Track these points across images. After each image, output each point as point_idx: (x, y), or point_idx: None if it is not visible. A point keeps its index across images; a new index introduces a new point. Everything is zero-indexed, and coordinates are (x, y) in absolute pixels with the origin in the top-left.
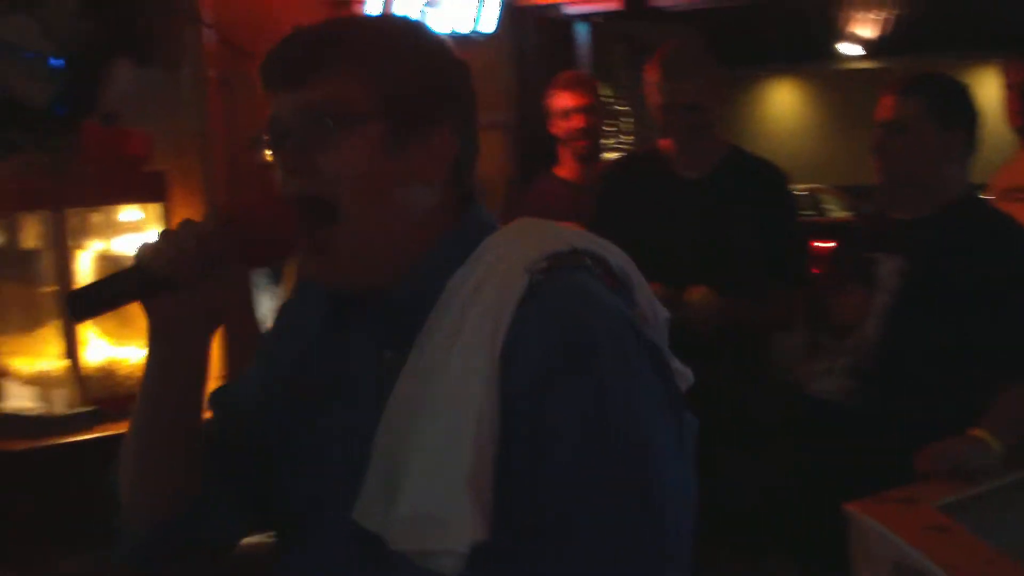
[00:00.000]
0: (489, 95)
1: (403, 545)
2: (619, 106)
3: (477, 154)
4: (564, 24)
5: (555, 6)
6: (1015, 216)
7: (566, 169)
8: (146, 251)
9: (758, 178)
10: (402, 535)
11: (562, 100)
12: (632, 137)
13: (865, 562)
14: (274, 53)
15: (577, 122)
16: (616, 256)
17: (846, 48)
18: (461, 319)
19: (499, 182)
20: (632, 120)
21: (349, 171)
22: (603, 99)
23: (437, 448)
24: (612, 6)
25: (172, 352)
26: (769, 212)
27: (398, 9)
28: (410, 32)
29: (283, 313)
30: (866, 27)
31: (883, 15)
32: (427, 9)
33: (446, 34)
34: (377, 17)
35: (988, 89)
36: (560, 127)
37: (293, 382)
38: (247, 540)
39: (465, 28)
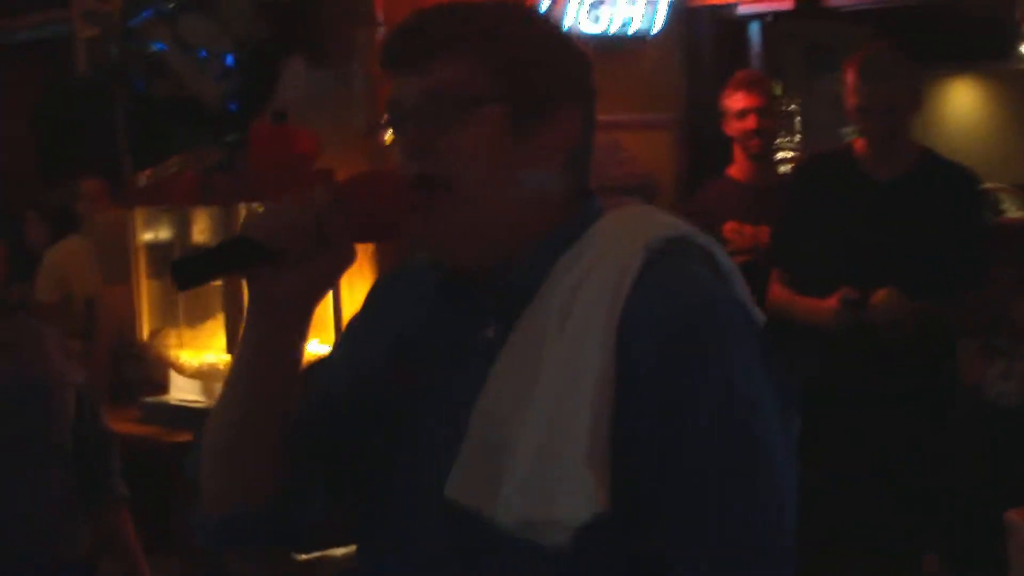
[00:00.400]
0: (659, 94)
1: (509, 519)
2: (789, 106)
3: (592, 149)
4: (736, 23)
5: (728, 6)
6: None
7: (738, 169)
8: (255, 221)
9: (951, 182)
10: (509, 509)
11: (737, 100)
12: (800, 136)
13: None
14: (394, 36)
15: (752, 123)
16: (720, 251)
17: None
18: (572, 297)
19: (668, 181)
20: (800, 120)
21: (469, 153)
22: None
23: (550, 420)
24: (784, 6)
25: (272, 326)
26: (961, 217)
27: (568, 9)
28: (532, 17)
29: (375, 294)
30: None
31: None
32: (596, 9)
33: (615, 33)
34: (495, 2)
35: None
36: (735, 127)
37: (390, 361)
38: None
39: (634, 27)
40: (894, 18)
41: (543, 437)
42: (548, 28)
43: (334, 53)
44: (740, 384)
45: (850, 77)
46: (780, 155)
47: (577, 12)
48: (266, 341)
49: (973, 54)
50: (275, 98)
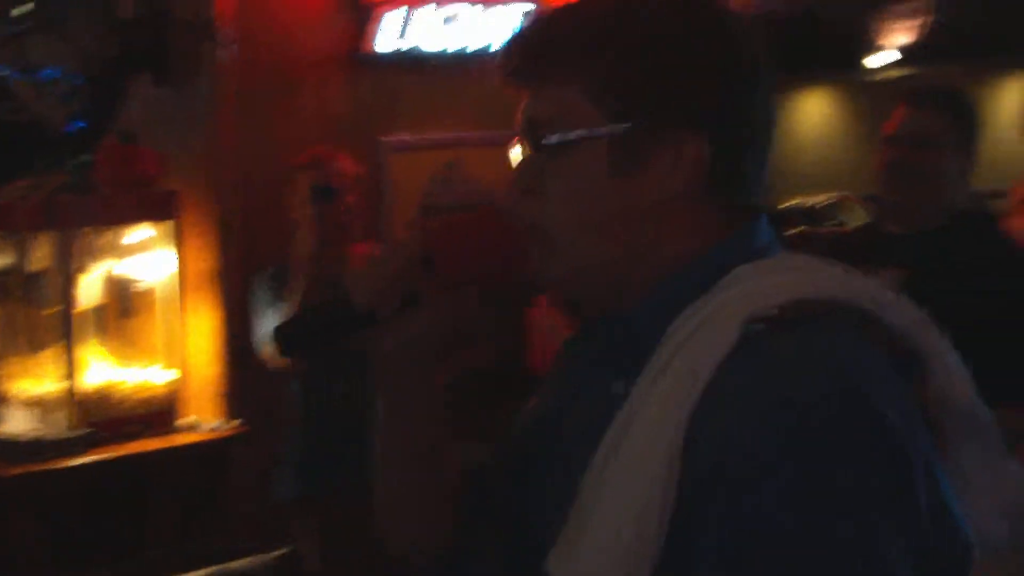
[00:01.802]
0: (504, 111)
1: None
2: None
3: (746, 159)
4: None
5: None
6: None
7: None
8: (352, 280)
9: None
10: None
11: None
12: None
13: None
14: (507, 47)
15: None
16: (903, 313)
17: (875, 60)
18: (669, 361)
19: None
20: None
21: (564, 194)
22: None
23: (613, 506)
24: None
25: (390, 393)
26: None
27: (414, 29)
28: (664, 13)
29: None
30: (902, 34)
31: (919, 21)
32: (446, 25)
33: (456, 51)
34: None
35: (1011, 96)
36: None
37: (540, 428)
38: None
39: (480, 44)
40: None
41: (602, 526)
42: (678, 24)
43: (180, 70)
44: (823, 523)
45: None
46: None
47: (427, 30)
48: (389, 407)
49: (822, 65)
50: (121, 117)
